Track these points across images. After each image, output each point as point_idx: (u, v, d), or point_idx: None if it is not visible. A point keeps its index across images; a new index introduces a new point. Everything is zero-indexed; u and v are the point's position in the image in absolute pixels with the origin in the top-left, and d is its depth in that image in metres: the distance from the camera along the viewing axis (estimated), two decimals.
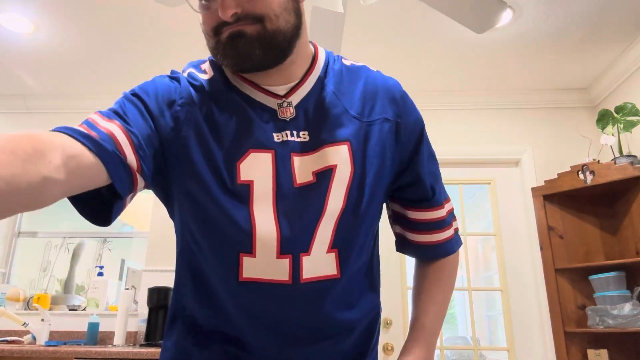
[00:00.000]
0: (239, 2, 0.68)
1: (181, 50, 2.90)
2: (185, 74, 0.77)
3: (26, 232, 3.38)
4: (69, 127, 0.63)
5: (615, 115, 2.76)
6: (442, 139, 3.24)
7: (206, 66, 0.79)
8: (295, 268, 0.70)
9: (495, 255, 3.17)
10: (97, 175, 0.61)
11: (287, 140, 0.73)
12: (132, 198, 0.72)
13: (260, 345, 0.74)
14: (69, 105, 3.47)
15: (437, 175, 0.87)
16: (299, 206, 0.71)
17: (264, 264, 0.70)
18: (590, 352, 2.53)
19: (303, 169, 0.72)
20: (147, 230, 3.24)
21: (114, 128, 0.65)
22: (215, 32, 0.71)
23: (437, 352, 3.22)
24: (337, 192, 0.73)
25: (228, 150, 0.71)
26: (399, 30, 2.70)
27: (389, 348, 2.93)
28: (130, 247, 4.09)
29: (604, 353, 2.49)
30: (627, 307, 2.41)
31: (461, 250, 3.32)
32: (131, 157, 0.65)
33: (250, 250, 0.70)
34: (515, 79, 3.19)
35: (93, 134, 0.62)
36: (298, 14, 0.74)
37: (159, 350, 2.32)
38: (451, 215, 0.88)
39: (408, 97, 0.83)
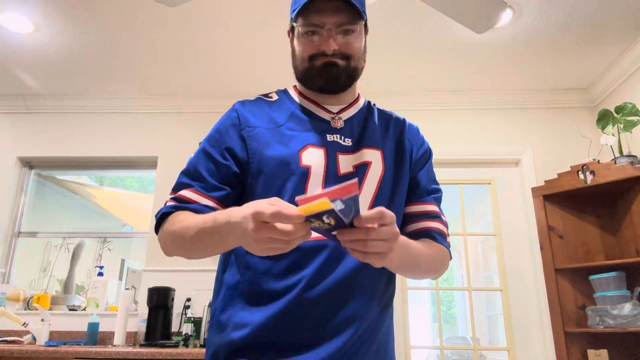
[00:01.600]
0: (338, 43, 0.98)
1: (181, 50, 2.90)
2: (252, 99, 1.08)
3: (26, 232, 3.38)
4: (172, 206, 0.96)
5: (615, 115, 2.76)
6: (442, 139, 3.24)
7: (272, 94, 1.10)
8: None
9: (495, 255, 3.17)
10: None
11: (336, 142, 1.00)
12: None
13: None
14: (69, 105, 3.47)
15: (435, 189, 1.09)
16: None
17: None
18: (591, 352, 2.53)
19: (345, 163, 0.98)
20: (147, 230, 3.24)
21: (190, 194, 0.96)
22: (310, 58, 1.00)
23: (437, 351, 3.22)
24: (371, 181, 0.98)
25: (293, 145, 0.97)
26: (399, 30, 2.69)
27: None
28: (130, 247, 4.08)
29: (604, 353, 2.49)
30: (627, 307, 2.41)
31: (461, 250, 3.32)
32: (208, 202, 0.95)
33: None
34: (515, 79, 3.19)
35: (184, 205, 0.96)
36: (365, 60, 1.07)
37: (158, 350, 2.32)
38: (445, 224, 1.07)
39: (421, 133, 1.14)
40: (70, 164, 3.54)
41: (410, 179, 1.06)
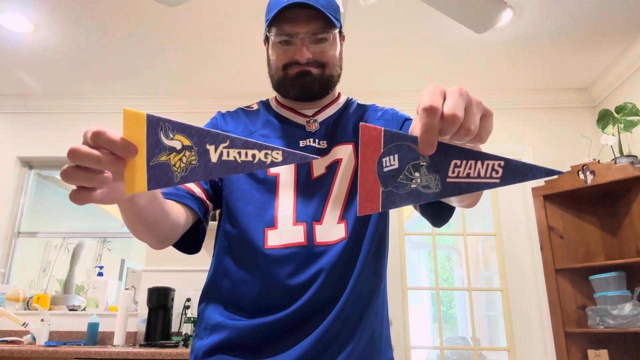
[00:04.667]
0: (312, 51, 0.98)
1: (181, 50, 2.90)
2: (232, 110, 1.10)
3: (26, 232, 3.38)
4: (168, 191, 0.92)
5: (616, 115, 2.76)
6: None
7: (253, 105, 1.11)
8: (309, 233, 0.91)
9: (495, 256, 3.17)
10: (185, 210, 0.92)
11: (310, 146, 0.99)
12: (207, 221, 0.98)
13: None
14: (68, 105, 3.47)
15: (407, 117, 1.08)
16: (312, 191, 0.95)
17: (283, 231, 0.91)
18: (591, 352, 2.53)
19: (318, 166, 0.97)
20: None
21: (190, 185, 0.95)
22: (284, 67, 0.99)
23: (437, 351, 3.22)
24: (342, 178, 0.96)
25: None
26: (399, 30, 2.69)
27: None
28: (129, 247, 4.09)
29: (604, 353, 2.49)
30: (628, 307, 2.41)
31: (461, 250, 3.31)
32: (198, 190, 0.95)
33: (273, 224, 0.92)
34: (515, 79, 3.19)
35: (179, 192, 0.93)
36: (341, 67, 1.05)
37: (158, 350, 2.32)
38: None
39: (388, 108, 1.10)
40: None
41: None
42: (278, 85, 1.03)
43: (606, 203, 2.78)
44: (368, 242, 0.94)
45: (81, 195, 0.51)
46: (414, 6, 2.46)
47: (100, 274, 3.12)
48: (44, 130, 3.44)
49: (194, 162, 0.49)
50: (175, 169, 0.49)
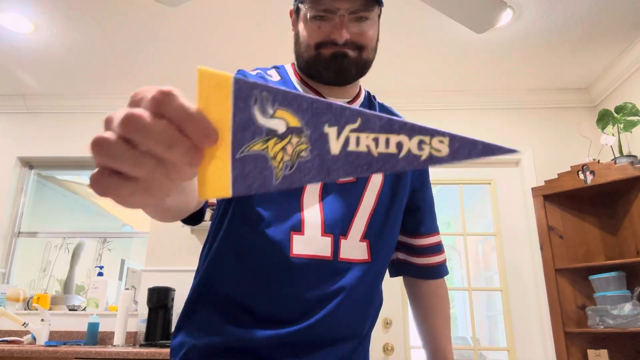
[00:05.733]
0: (351, 31, 0.85)
1: (181, 50, 2.90)
2: (253, 72, 0.92)
3: (26, 232, 3.38)
4: None
5: (616, 115, 2.76)
6: None
7: (272, 72, 0.95)
8: (335, 247, 0.85)
9: (495, 256, 3.17)
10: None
11: None
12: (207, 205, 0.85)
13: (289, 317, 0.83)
14: (68, 105, 3.47)
15: (433, 211, 1.07)
16: (339, 199, 0.87)
17: (311, 239, 0.84)
18: (591, 353, 2.53)
19: None
20: (147, 230, 3.24)
21: None
22: (317, 46, 0.87)
23: None
24: (370, 193, 0.90)
25: None
26: (399, 30, 2.69)
27: (389, 348, 2.93)
28: (130, 247, 4.09)
29: (604, 353, 2.49)
30: (628, 307, 2.41)
31: (461, 250, 3.31)
32: None
33: (299, 229, 0.84)
34: (515, 79, 3.19)
35: None
36: (376, 51, 0.94)
37: (158, 350, 2.31)
38: (442, 245, 1.08)
39: None
40: (70, 164, 3.54)
41: (412, 197, 1.00)
42: (308, 66, 0.90)
43: (606, 203, 2.78)
44: (384, 269, 0.95)
45: (118, 185, 0.30)
46: (414, 6, 2.46)
47: (100, 274, 3.12)
48: (44, 130, 3.44)
49: (303, 155, 0.31)
50: (276, 165, 0.31)
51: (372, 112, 0.31)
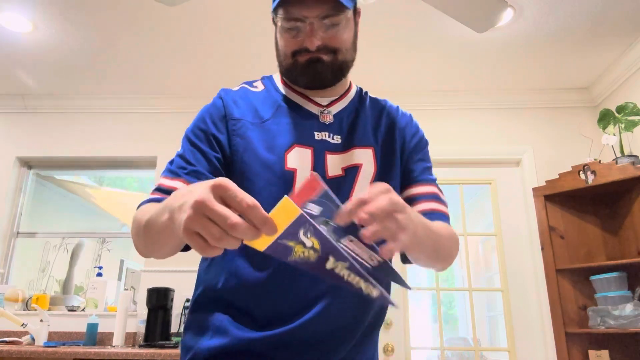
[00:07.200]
0: (321, 36, 0.89)
1: (180, 50, 2.89)
2: (237, 88, 0.99)
3: (25, 232, 3.37)
4: (147, 199, 0.85)
5: (617, 115, 2.75)
6: (442, 139, 3.23)
7: (257, 83, 1.02)
8: None
9: (496, 256, 3.16)
10: None
11: (324, 140, 0.92)
12: None
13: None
14: (68, 105, 3.46)
15: (430, 174, 1.03)
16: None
17: None
18: (592, 353, 2.52)
19: (334, 165, 0.91)
20: None
21: (178, 185, 0.85)
22: (294, 54, 0.92)
23: (437, 352, 3.21)
24: (361, 185, 0.90)
25: (278, 144, 0.90)
26: (399, 30, 2.69)
27: (389, 349, 2.92)
28: (129, 248, 4.07)
29: (605, 354, 2.48)
30: (629, 308, 2.40)
31: (461, 250, 3.31)
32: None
33: None
34: (515, 78, 3.18)
35: (165, 196, 0.81)
36: (355, 49, 0.97)
37: (158, 351, 2.31)
38: (439, 196, 0.99)
39: (414, 120, 1.07)
40: (69, 164, 3.53)
41: (404, 171, 0.99)
42: (287, 73, 0.96)
43: (607, 203, 2.78)
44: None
45: (210, 250, 0.53)
46: (414, 6, 2.45)
47: (99, 275, 3.11)
48: (43, 130, 3.44)
49: (311, 259, 0.55)
50: (294, 253, 0.55)
51: (355, 262, 0.55)
